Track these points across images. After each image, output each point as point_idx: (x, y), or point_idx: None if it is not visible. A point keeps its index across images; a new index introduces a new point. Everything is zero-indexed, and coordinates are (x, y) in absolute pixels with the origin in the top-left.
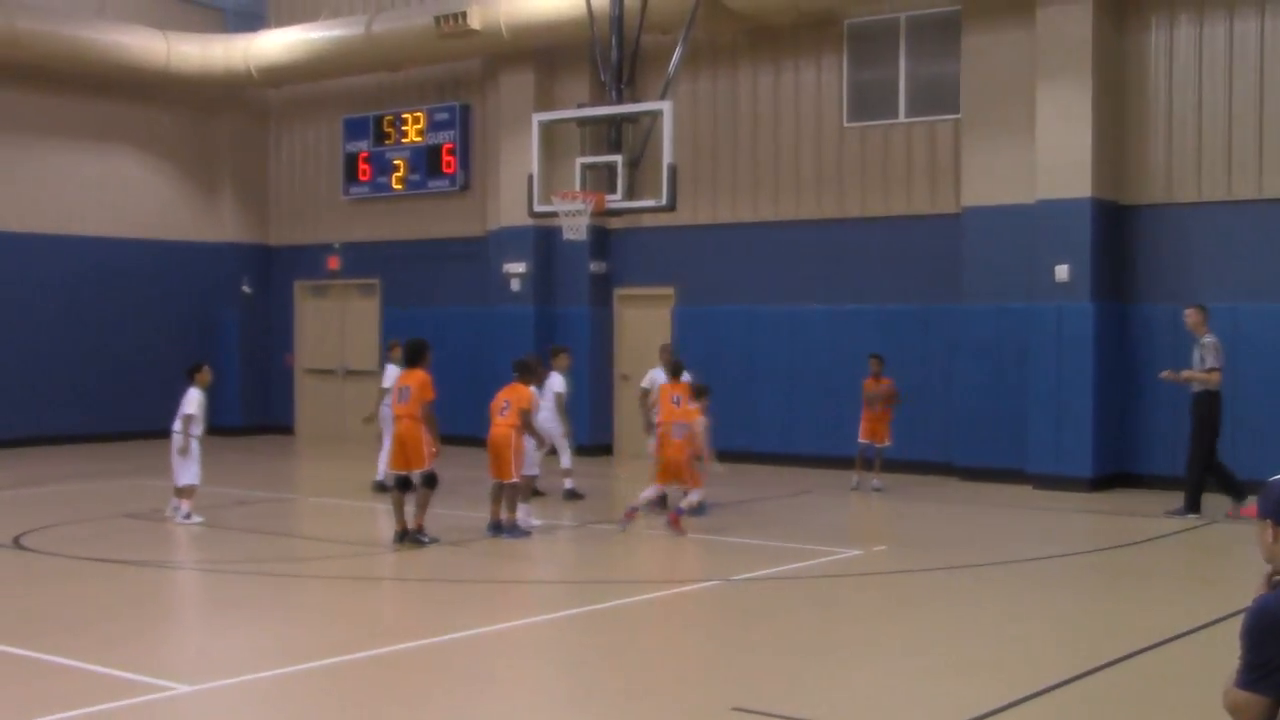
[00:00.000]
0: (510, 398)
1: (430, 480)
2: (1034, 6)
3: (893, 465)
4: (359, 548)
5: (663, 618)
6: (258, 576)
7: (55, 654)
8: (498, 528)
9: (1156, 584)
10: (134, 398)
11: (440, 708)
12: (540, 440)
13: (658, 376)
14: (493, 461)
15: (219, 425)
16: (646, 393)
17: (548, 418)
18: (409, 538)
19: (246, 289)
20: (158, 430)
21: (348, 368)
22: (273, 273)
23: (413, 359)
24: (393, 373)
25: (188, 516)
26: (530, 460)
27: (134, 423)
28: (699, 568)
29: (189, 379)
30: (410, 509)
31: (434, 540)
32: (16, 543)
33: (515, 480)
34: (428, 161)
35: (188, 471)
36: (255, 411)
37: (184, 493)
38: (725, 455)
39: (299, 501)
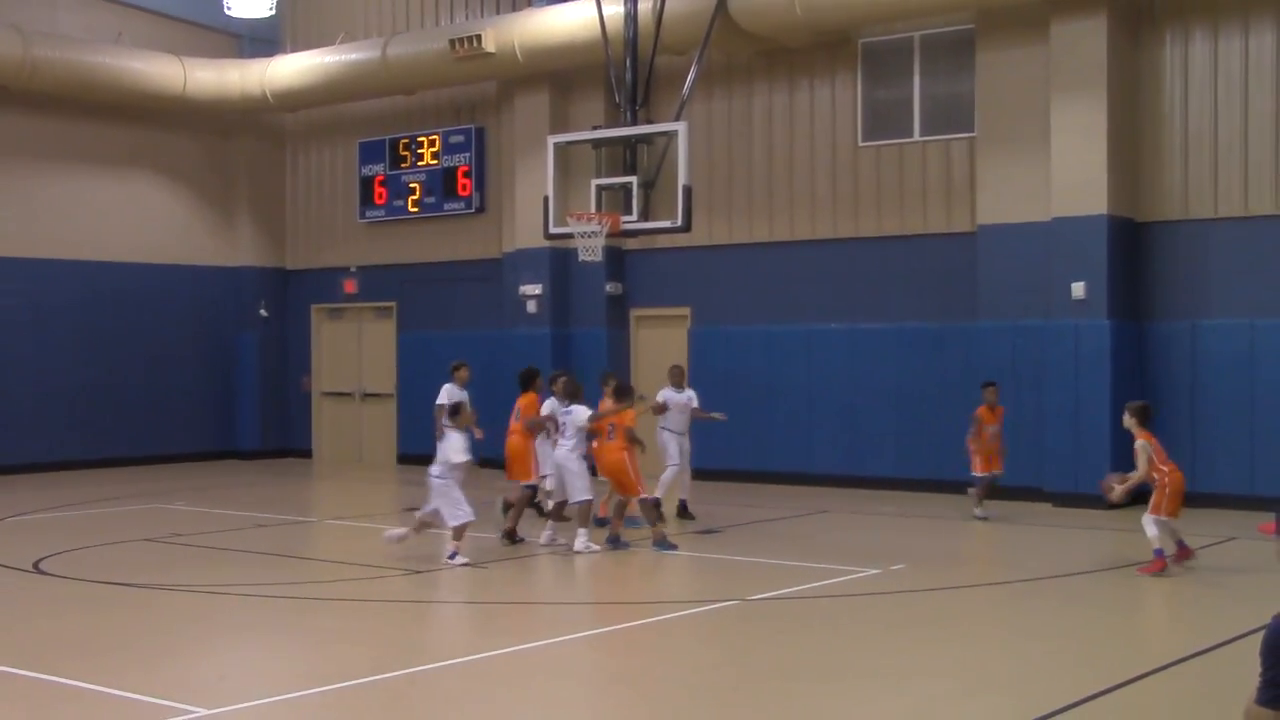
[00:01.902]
0: (615, 420)
1: (531, 491)
2: (1048, 23)
3: (909, 484)
4: (378, 570)
5: (681, 638)
6: (277, 600)
7: (75, 678)
8: (615, 540)
9: (1178, 601)
10: (152, 422)
11: None
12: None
13: (669, 395)
14: (615, 483)
15: (237, 449)
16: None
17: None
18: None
19: (264, 312)
20: (176, 454)
21: (365, 390)
22: (289, 296)
23: (524, 384)
24: (451, 392)
25: (453, 556)
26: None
27: (152, 447)
28: (716, 588)
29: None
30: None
31: (519, 541)
32: (36, 567)
33: (643, 496)
34: (443, 184)
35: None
36: (273, 435)
37: (457, 533)
38: (742, 475)
39: (317, 525)
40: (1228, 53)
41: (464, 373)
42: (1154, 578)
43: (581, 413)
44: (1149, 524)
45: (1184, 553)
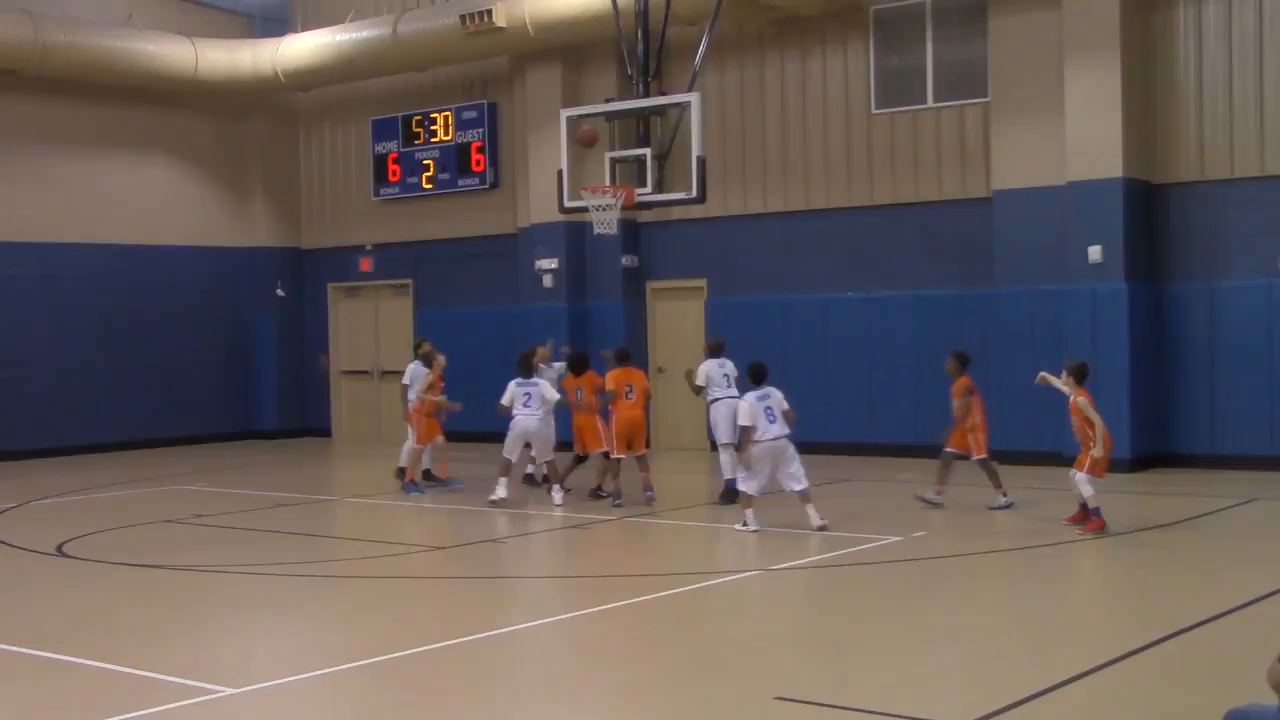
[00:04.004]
0: (633, 382)
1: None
2: None
3: (929, 451)
4: (399, 548)
5: (703, 608)
6: (300, 579)
7: (101, 659)
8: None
9: (1200, 563)
10: (171, 404)
11: (484, 703)
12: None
13: (709, 369)
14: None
15: (256, 429)
16: (701, 388)
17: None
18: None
19: (280, 293)
20: (195, 435)
21: (383, 369)
22: (305, 276)
23: (577, 368)
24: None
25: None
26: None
27: (171, 428)
28: (739, 558)
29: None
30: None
31: (610, 495)
32: (60, 550)
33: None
34: (457, 160)
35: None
36: (292, 415)
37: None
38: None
39: (338, 503)
40: (1242, 12)
41: (426, 347)
42: (1095, 537)
43: (548, 386)
44: (1084, 483)
45: (1082, 518)
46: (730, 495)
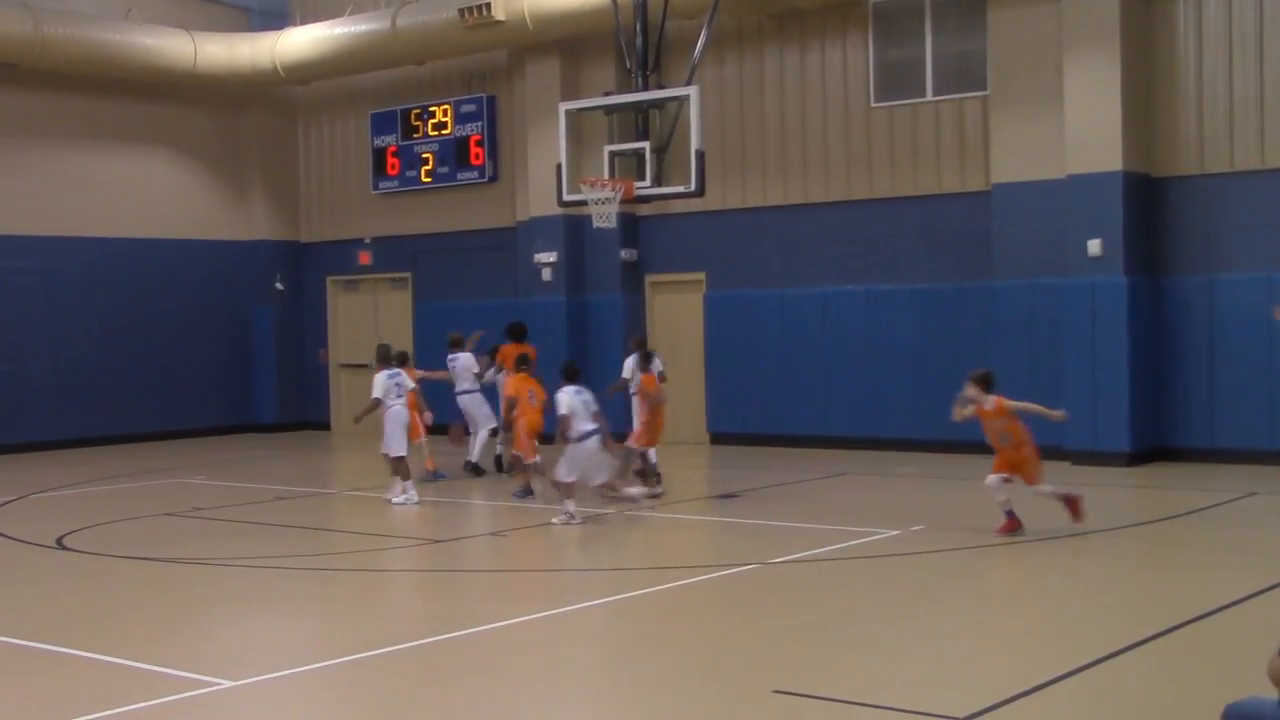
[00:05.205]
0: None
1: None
2: None
3: (928, 444)
4: (399, 541)
5: (702, 602)
6: (299, 572)
7: (100, 652)
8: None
9: (1200, 557)
10: (170, 397)
11: (483, 696)
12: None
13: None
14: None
15: (255, 422)
16: (626, 381)
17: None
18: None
19: (279, 286)
20: (194, 429)
21: None
22: (304, 269)
23: (644, 364)
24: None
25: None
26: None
27: (170, 422)
28: (736, 552)
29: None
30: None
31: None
32: (59, 543)
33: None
34: (455, 154)
35: None
36: (291, 408)
37: None
38: (760, 439)
39: (337, 497)
40: (1242, 5)
41: (383, 348)
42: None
43: (467, 360)
44: (995, 487)
45: (1074, 506)
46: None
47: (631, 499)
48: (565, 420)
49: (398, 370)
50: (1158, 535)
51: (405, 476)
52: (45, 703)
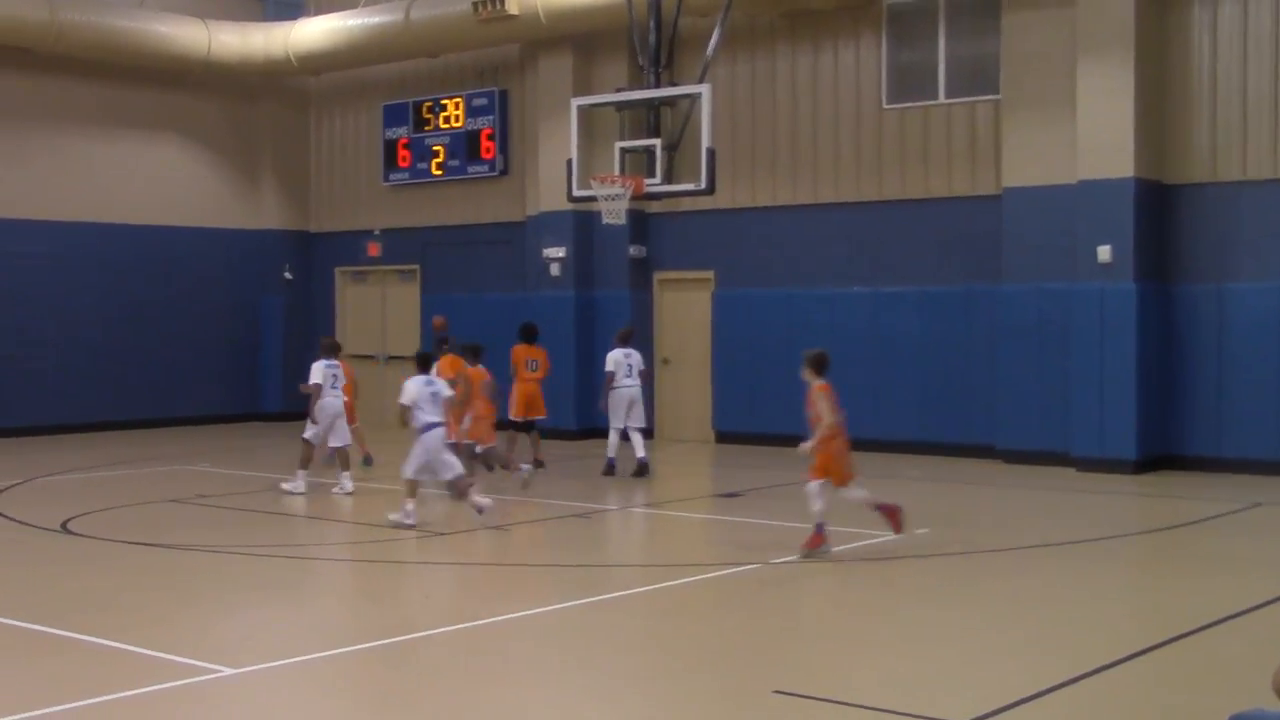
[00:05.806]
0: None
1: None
2: None
3: (933, 448)
4: (401, 531)
5: (703, 601)
6: (302, 560)
7: (103, 637)
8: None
9: (1205, 566)
10: (176, 385)
11: (483, 690)
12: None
13: (616, 357)
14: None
15: (261, 411)
16: (611, 374)
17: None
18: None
19: (288, 276)
20: (200, 416)
21: (389, 354)
22: (313, 259)
23: (472, 358)
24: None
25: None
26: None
27: (176, 409)
28: (739, 551)
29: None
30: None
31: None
32: (64, 528)
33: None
34: (467, 147)
35: None
36: (298, 397)
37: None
38: (765, 439)
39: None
40: (1257, 12)
41: (328, 340)
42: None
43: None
44: (814, 493)
45: (894, 516)
46: (643, 469)
47: (479, 508)
48: (406, 410)
49: (335, 361)
50: (1162, 544)
51: (345, 466)
52: (46, 687)
